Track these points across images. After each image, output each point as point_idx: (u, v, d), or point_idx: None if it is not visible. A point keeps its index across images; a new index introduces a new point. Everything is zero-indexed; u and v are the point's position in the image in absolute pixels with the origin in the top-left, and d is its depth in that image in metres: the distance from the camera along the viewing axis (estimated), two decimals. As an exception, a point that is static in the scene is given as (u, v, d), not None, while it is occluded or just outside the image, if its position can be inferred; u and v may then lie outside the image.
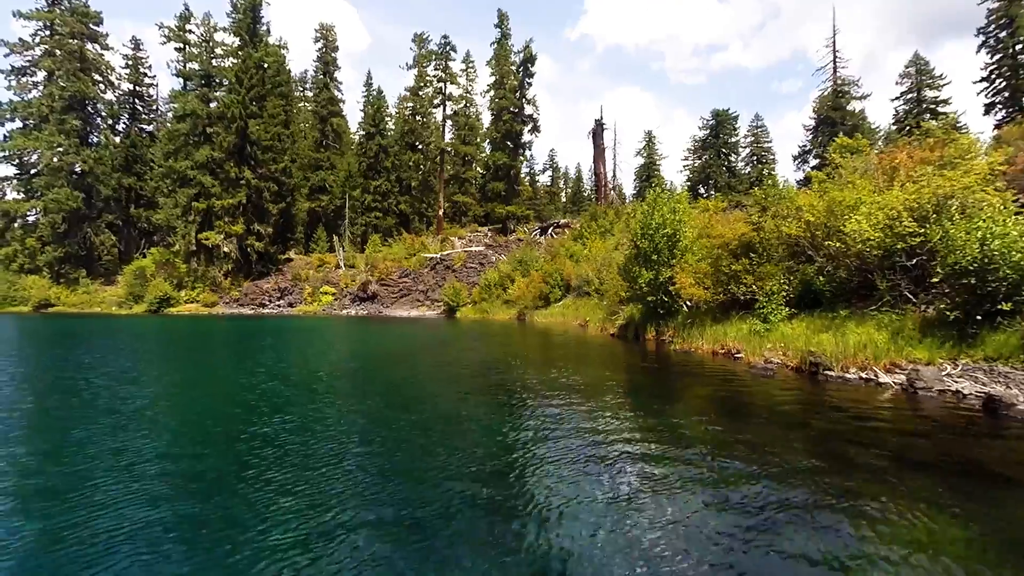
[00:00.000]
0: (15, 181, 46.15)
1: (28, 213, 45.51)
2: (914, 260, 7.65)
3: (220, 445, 5.63)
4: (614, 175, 57.00)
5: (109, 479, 4.60)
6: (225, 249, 41.19)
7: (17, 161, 45.22)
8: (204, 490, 4.37)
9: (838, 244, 8.40)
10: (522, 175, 52.54)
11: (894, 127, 47.45)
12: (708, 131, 63.57)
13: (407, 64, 51.05)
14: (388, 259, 40.33)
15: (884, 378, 7.27)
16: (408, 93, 51.66)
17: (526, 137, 48.37)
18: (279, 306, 38.74)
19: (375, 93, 52.89)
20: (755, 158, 62.75)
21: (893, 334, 7.39)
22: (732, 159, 63.95)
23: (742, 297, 10.41)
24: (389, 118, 53.30)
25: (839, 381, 7.79)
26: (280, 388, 8.46)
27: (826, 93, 49.24)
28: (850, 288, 8.85)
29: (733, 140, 62.98)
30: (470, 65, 53.84)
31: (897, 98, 46.90)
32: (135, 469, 4.87)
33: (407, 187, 52.93)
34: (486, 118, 53.49)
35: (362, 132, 52.76)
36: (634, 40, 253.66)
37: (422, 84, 50.48)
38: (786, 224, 9.78)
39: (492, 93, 49.26)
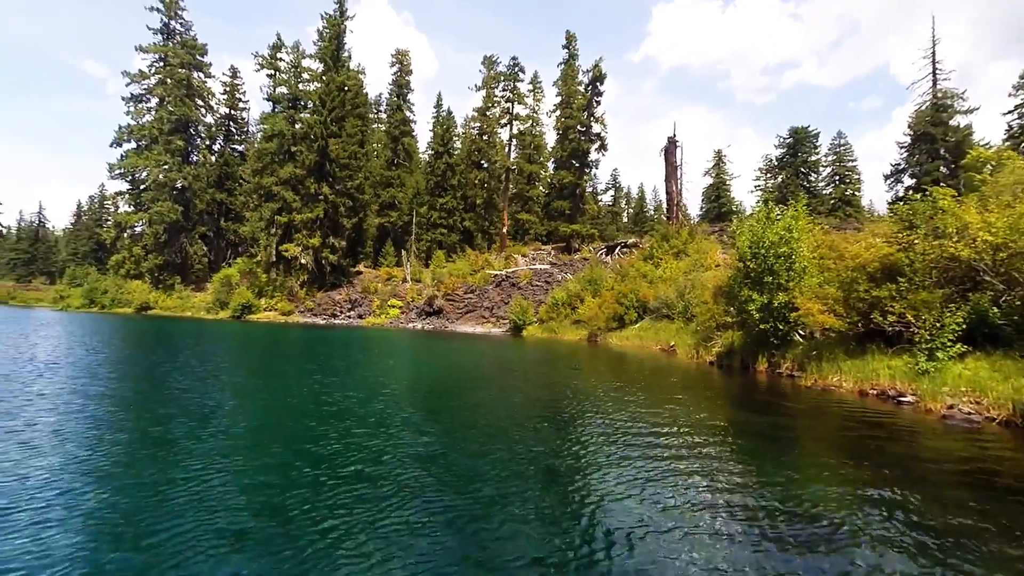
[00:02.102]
0: (127, 195, 51.31)
1: (136, 224, 50.31)
2: None
3: (291, 456, 5.43)
4: (680, 195, 55.02)
5: (189, 481, 4.52)
6: (302, 260, 43.30)
7: (130, 177, 50.28)
8: (268, 504, 4.16)
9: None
10: (587, 194, 51.92)
11: (1007, 143, 42.69)
12: (785, 150, 60.46)
13: (476, 85, 52.40)
14: (453, 275, 40.73)
15: None
16: (476, 113, 52.88)
17: (593, 156, 47.81)
18: (349, 317, 39.98)
19: (444, 114, 54.52)
20: (837, 178, 58.76)
21: None
22: (812, 179, 60.31)
23: (888, 328, 9.06)
24: (456, 138, 54.72)
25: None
26: (357, 405, 8.24)
27: (924, 108, 45.20)
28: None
29: (813, 159, 59.45)
30: (537, 86, 54.46)
31: (1010, 111, 42.23)
32: (216, 472, 4.72)
33: (472, 205, 53.81)
34: (550, 138, 53.71)
35: (430, 151, 54.40)
36: (700, 59, 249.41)
37: (490, 104, 51.50)
38: (951, 244, 8.44)
39: (558, 113, 49.37)
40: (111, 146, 50.29)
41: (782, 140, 60.59)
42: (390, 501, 4.23)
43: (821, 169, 59.51)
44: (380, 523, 3.82)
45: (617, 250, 42.15)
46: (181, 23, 52.28)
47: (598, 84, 46.16)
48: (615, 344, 22.82)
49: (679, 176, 42.37)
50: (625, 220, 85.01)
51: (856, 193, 58.12)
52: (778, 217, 12.43)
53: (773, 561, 3.48)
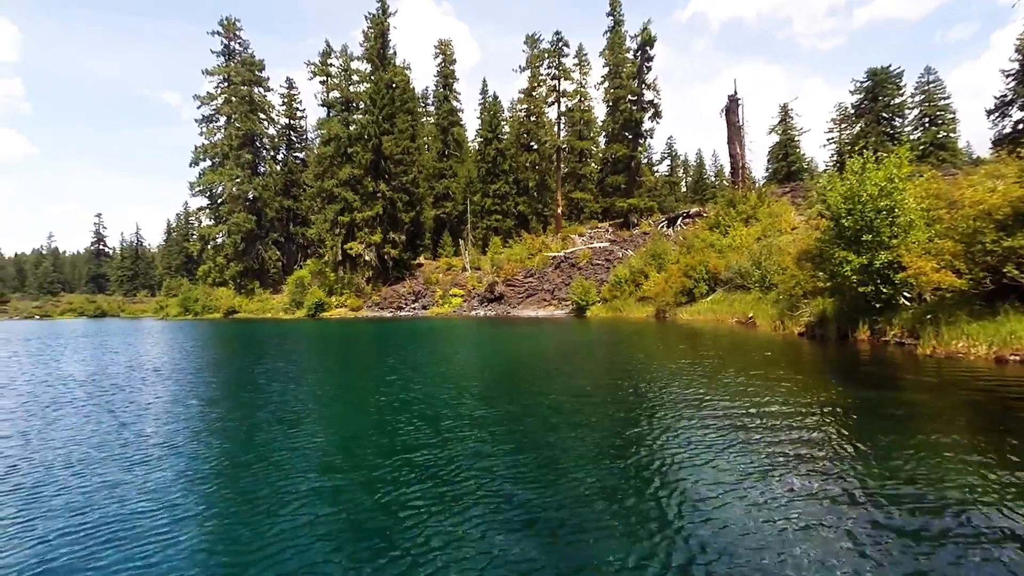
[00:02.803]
0: (207, 210, 55.59)
1: (217, 236, 54.47)
2: None
3: (376, 451, 5.41)
4: (744, 157, 51.63)
5: (273, 476, 4.64)
6: (366, 257, 45.04)
7: (208, 193, 54.37)
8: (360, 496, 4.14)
9: None
10: (642, 165, 49.81)
11: None
12: (862, 95, 54.83)
13: (520, 67, 51.44)
14: (512, 260, 40.74)
15: None
16: (522, 95, 52.01)
17: (647, 125, 45.69)
18: (414, 308, 41.20)
19: (491, 99, 54.13)
20: (927, 120, 52.62)
21: None
22: (897, 124, 54.39)
23: (1026, 282, 7.75)
24: (504, 122, 54.26)
25: None
26: (443, 400, 8.24)
27: (1036, 26, 39.09)
28: None
29: (897, 102, 53.51)
30: (583, 59, 52.67)
31: None
32: (301, 464, 4.77)
33: (524, 188, 53.38)
34: (600, 111, 51.94)
35: (479, 139, 54.35)
36: (755, 9, 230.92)
37: (536, 84, 50.42)
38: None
39: (607, 84, 47.53)
40: (190, 166, 54.61)
41: (858, 84, 54.98)
42: (489, 503, 4.11)
43: (907, 112, 53.57)
44: (481, 528, 3.69)
45: (679, 221, 40.27)
46: (239, 43, 55.30)
47: (647, 49, 43.81)
48: (686, 319, 21.84)
49: (742, 136, 39.57)
50: (684, 189, 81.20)
51: (951, 135, 51.86)
52: (877, 167, 10.97)
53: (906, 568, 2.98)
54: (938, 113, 52.06)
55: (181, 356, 15.34)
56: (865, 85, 54.22)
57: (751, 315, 17.29)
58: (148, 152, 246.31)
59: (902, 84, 52.73)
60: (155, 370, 12.01)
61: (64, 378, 10.76)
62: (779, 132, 64.35)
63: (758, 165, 77.42)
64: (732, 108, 37.81)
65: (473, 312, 37.40)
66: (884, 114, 53.85)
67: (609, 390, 8.23)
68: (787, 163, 63.06)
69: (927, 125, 52.30)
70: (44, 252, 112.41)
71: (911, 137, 52.65)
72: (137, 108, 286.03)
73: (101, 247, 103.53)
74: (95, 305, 74.03)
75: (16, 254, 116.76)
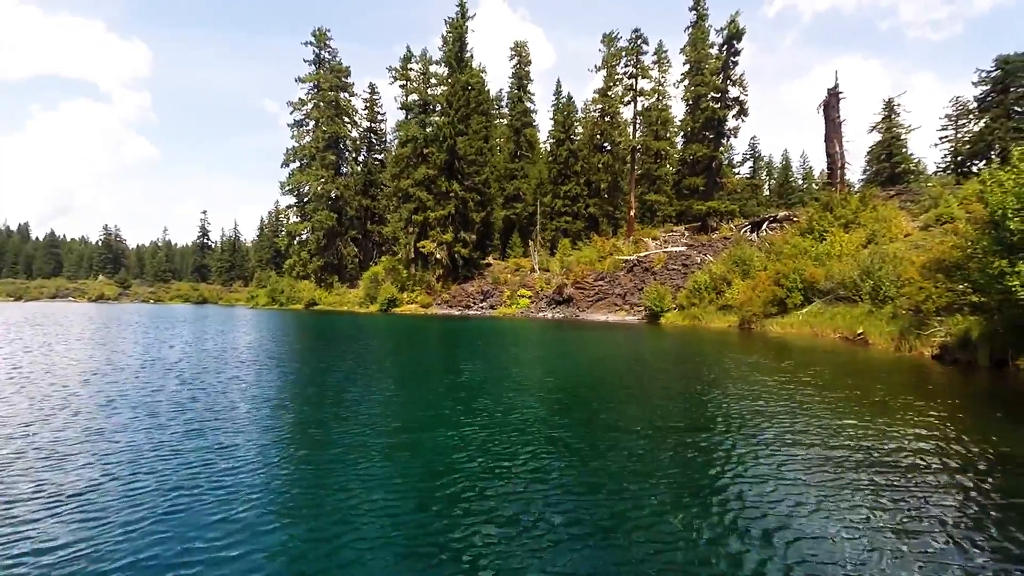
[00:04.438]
0: (295, 208, 59.56)
1: (302, 232, 58.18)
2: None
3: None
4: (842, 156, 47.23)
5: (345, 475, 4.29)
6: (437, 255, 46.05)
7: (296, 192, 58.21)
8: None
9: None
10: (724, 166, 46.91)
11: None
12: (988, 86, 48.21)
13: (595, 66, 50.35)
14: (581, 262, 39.86)
15: None
16: (597, 95, 50.89)
17: (730, 123, 43.05)
18: (482, 307, 41.49)
19: (565, 100, 53.51)
20: (1074, 113, 45.37)
21: None
22: (1033, 118, 47.40)
23: None
24: (578, 123, 53.42)
25: None
26: (519, 410, 7.79)
27: None
28: None
29: (1034, 93, 46.63)
30: (663, 56, 50.65)
31: None
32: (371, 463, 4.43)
33: (596, 190, 52.24)
34: (678, 110, 49.66)
35: (552, 140, 53.87)
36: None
37: (611, 83, 49.13)
38: None
39: (687, 82, 45.31)
40: (281, 167, 58.77)
41: (984, 75, 48.40)
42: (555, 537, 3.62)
43: (1047, 105, 46.56)
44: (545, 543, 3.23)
45: (764, 226, 37.50)
46: (329, 51, 58.77)
47: (734, 42, 41.27)
48: (776, 332, 20.03)
49: (842, 134, 36.09)
50: (767, 193, 75.90)
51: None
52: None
53: None
54: (1088, 106, 44.80)
55: (271, 347, 16.23)
56: (993, 75, 47.72)
57: (860, 331, 15.39)
58: (250, 155, 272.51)
59: (1043, 72, 45.85)
60: (241, 362, 12.41)
61: (169, 365, 11.56)
62: (882, 130, 58.30)
63: (854, 166, 70.68)
64: (832, 103, 34.62)
65: (540, 314, 36.96)
66: (1017, 108, 47.07)
67: (706, 412, 7.42)
68: (891, 164, 57.00)
69: (1073, 120, 45.08)
70: (159, 244, 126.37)
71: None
72: (243, 116, 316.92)
73: (205, 241, 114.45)
74: (198, 293, 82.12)
75: (138, 245, 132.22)
